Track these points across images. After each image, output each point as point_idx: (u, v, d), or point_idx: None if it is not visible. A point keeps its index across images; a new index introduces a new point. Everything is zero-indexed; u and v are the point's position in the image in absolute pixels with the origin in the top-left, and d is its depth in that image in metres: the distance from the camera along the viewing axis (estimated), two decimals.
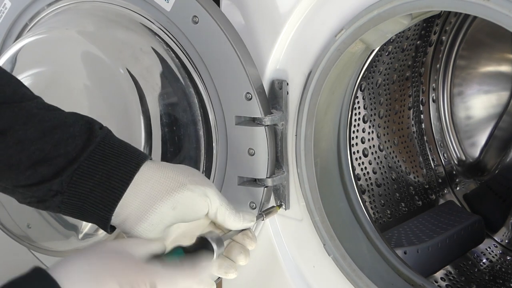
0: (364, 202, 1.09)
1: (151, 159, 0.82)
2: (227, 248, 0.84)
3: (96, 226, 0.88)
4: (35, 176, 0.76)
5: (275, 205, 1.02)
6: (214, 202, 0.82)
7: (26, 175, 0.76)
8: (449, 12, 1.44)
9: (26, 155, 0.76)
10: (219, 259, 0.83)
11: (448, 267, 1.39)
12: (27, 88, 0.82)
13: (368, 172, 1.40)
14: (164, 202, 0.79)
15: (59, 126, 0.77)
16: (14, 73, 1.06)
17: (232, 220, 0.84)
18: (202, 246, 0.79)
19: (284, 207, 1.02)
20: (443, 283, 1.35)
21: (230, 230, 0.85)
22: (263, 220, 0.94)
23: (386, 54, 1.37)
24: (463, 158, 1.59)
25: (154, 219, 0.79)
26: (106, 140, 0.79)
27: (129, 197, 0.78)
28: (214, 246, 0.80)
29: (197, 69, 1.02)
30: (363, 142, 1.39)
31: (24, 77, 1.04)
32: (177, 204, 0.79)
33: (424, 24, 1.43)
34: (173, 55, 1.03)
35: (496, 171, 1.54)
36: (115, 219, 0.79)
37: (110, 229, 0.81)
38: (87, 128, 0.79)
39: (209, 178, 1.05)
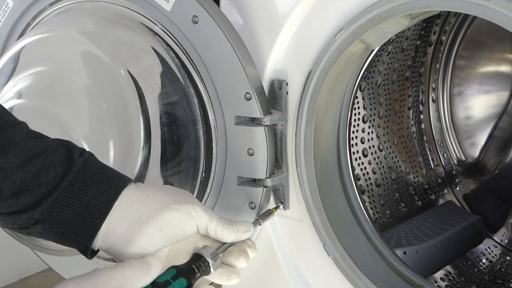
0: (363, 202, 1.08)
1: (134, 182, 0.82)
2: (226, 252, 0.84)
3: None
4: (16, 205, 0.76)
5: (271, 208, 1.00)
6: (202, 218, 0.82)
7: (7, 203, 0.76)
8: (449, 12, 1.44)
9: (7, 183, 0.76)
10: (218, 268, 0.83)
11: (448, 267, 1.39)
12: (11, 115, 0.81)
13: (367, 172, 1.40)
14: (150, 224, 0.79)
15: (40, 154, 0.77)
16: (16, 71, 1.06)
17: (225, 234, 0.84)
18: (197, 262, 0.79)
19: (281, 207, 1.02)
20: (443, 283, 1.35)
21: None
22: (260, 225, 0.93)
23: (386, 54, 1.37)
24: (463, 158, 1.59)
25: (142, 242, 0.79)
26: (86, 168, 0.79)
27: (114, 222, 0.78)
28: (210, 262, 0.80)
29: (196, 69, 1.02)
30: (362, 142, 1.39)
31: (25, 76, 1.04)
32: (163, 225, 0.80)
33: (424, 24, 1.43)
34: (173, 55, 1.03)
35: (496, 171, 1.54)
36: (103, 244, 0.79)
37: (92, 254, 0.81)
38: (67, 156, 0.79)
39: (208, 177, 1.05)
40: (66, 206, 0.77)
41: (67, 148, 0.80)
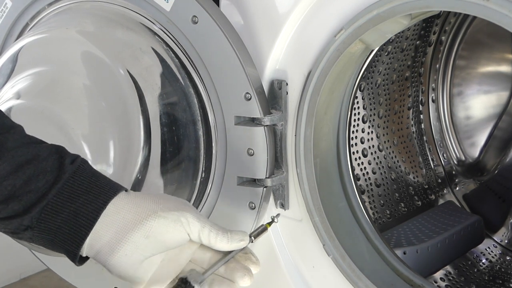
0: (363, 202, 1.08)
1: (126, 190, 0.81)
2: (229, 269, 0.83)
3: None
4: (7, 211, 0.76)
5: (263, 223, 0.93)
6: (193, 226, 0.81)
7: None
8: (449, 12, 1.44)
9: None
10: (216, 282, 0.82)
11: (448, 267, 1.39)
12: (7, 118, 0.81)
13: (367, 172, 1.40)
14: (136, 231, 0.78)
15: (32, 160, 0.77)
16: (14, 73, 1.06)
17: (219, 241, 0.82)
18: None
19: (276, 221, 0.94)
20: (443, 283, 1.35)
21: (222, 254, 0.84)
22: (252, 242, 0.87)
23: (386, 54, 1.37)
24: (463, 158, 1.59)
25: (127, 249, 0.78)
26: (76, 176, 0.78)
27: (101, 229, 0.78)
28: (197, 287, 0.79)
29: (196, 69, 1.02)
30: (362, 142, 1.39)
31: (24, 77, 1.04)
32: (149, 233, 0.79)
33: (424, 24, 1.43)
34: (172, 55, 1.03)
35: (496, 171, 1.54)
36: (89, 251, 0.79)
37: (80, 261, 0.80)
38: (59, 163, 0.78)
39: (208, 177, 1.05)
40: (54, 214, 0.77)
41: (59, 155, 0.79)
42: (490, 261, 1.46)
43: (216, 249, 0.83)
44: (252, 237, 0.87)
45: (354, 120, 1.37)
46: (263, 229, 0.90)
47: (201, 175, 1.05)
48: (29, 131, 0.82)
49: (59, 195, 0.77)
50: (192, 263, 0.84)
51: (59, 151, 0.80)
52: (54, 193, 0.77)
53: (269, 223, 0.91)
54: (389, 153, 1.46)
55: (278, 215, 0.91)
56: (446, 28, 1.50)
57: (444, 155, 1.58)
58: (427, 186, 1.54)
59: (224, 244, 0.82)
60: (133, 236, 0.78)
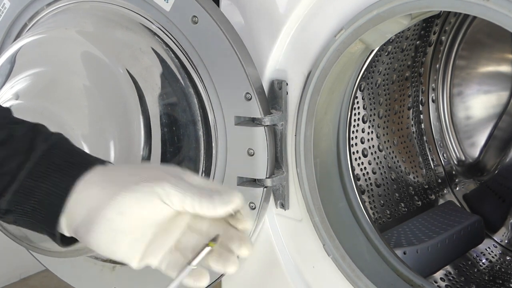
0: (363, 202, 1.08)
1: (106, 164, 0.76)
2: (226, 239, 0.74)
3: None
4: None
5: (207, 243, 0.75)
6: (173, 196, 0.72)
7: None
8: (449, 12, 1.44)
9: None
10: (215, 252, 0.74)
11: (448, 267, 1.39)
12: None
13: (367, 172, 1.40)
14: (109, 208, 0.72)
15: (6, 141, 0.74)
16: (13, 73, 1.06)
17: (205, 210, 0.72)
18: None
19: (216, 242, 0.78)
20: (443, 283, 1.35)
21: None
22: (194, 267, 0.74)
23: (386, 54, 1.37)
24: (463, 158, 1.59)
25: (102, 227, 0.73)
26: (49, 154, 0.74)
27: (74, 207, 0.74)
28: None
29: (196, 69, 1.02)
30: (362, 142, 1.39)
31: (23, 77, 1.04)
32: (123, 208, 0.72)
33: (424, 24, 1.43)
34: (172, 55, 1.03)
35: (496, 171, 1.54)
36: (70, 231, 0.75)
37: (64, 242, 0.77)
38: (31, 142, 0.75)
39: (208, 178, 1.05)
40: (28, 196, 0.74)
41: (33, 133, 0.75)
42: (490, 261, 1.46)
43: (204, 217, 0.74)
44: (188, 264, 0.74)
45: (354, 120, 1.37)
46: (205, 250, 0.74)
47: (201, 175, 1.05)
48: None
49: (30, 175, 0.73)
50: (190, 231, 0.76)
51: (35, 129, 0.76)
52: (25, 174, 0.73)
53: (213, 240, 0.75)
54: (389, 153, 1.46)
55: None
56: (446, 28, 1.50)
57: (444, 155, 1.58)
58: (427, 186, 1.54)
59: (210, 211, 0.72)
60: (106, 213, 0.72)
